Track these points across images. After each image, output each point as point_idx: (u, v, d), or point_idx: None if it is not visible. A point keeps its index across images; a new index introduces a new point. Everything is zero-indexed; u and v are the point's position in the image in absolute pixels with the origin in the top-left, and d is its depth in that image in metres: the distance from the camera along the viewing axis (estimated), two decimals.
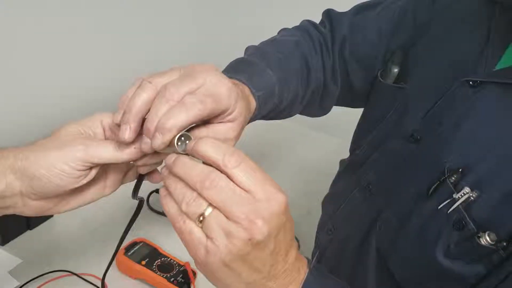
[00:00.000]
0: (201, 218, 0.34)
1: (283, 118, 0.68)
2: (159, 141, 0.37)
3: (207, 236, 0.34)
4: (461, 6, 0.57)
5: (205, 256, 0.34)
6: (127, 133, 0.38)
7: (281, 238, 0.35)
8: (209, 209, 0.33)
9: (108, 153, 0.39)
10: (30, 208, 0.41)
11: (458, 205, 0.44)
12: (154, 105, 0.38)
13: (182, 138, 0.38)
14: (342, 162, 0.76)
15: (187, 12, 1.43)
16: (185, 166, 0.35)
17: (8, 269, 0.70)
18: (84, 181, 0.40)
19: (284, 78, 0.60)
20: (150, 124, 0.37)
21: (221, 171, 0.34)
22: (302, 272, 0.39)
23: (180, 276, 0.70)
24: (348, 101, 0.76)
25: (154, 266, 0.71)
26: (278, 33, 0.73)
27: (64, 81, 1.09)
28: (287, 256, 0.37)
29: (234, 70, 0.55)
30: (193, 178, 0.34)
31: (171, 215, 0.36)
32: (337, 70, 0.70)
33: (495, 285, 0.42)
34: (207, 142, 0.35)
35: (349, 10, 0.72)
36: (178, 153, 0.38)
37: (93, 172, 0.41)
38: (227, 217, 0.33)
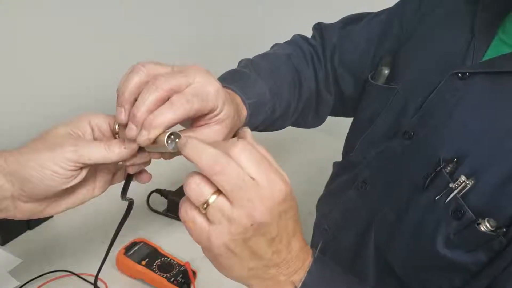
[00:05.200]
0: (205, 206, 0.34)
1: (276, 130, 0.68)
2: (144, 137, 0.38)
3: (210, 222, 0.35)
4: (445, 7, 0.59)
5: (208, 241, 0.35)
6: (122, 115, 0.39)
7: (282, 226, 0.36)
8: (213, 197, 0.34)
9: (98, 153, 0.39)
10: (21, 211, 0.41)
11: (455, 194, 0.45)
12: (142, 92, 0.39)
13: (172, 137, 0.38)
14: (335, 164, 0.77)
15: (187, 13, 1.43)
16: (196, 149, 0.35)
17: (8, 269, 0.70)
18: (75, 182, 0.40)
19: (276, 89, 0.61)
20: (136, 110, 0.38)
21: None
22: (306, 263, 0.40)
23: (180, 276, 0.70)
24: (340, 110, 0.77)
25: (154, 266, 0.71)
26: (270, 48, 0.74)
27: (64, 81, 1.09)
28: (290, 245, 0.38)
29: (226, 80, 0.55)
30: (203, 162, 0.34)
31: (180, 204, 0.37)
32: (330, 79, 0.72)
33: (499, 272, 0.42)
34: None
35: (338, 21, 0.74)
36: (167, 151, 0.38)
37: (84, 173, 0.41)
38: (231, 203, 0.34)
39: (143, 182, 0.47)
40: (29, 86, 1.01)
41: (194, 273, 0.72)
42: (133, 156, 0.41)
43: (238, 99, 0.53)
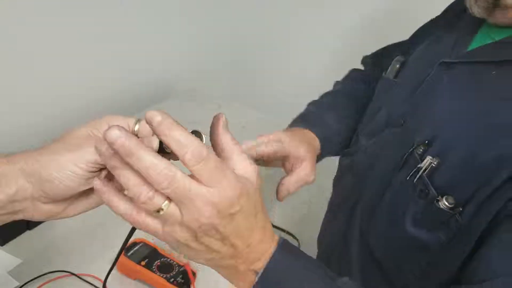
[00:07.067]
0: (159, 212, 0.35)
1: None
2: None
3: (163, 223, 0.36)
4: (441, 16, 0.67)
5: (163, 238, 0.37)
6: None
7: (235, 225, 0.37)
8: (166, 203, 0.35)
9: None
10: (40, 212, 0.41)
11: (422, 173, 0.49)
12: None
13: (194, 135, 0.38)
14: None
15: (187, 13, 1.43)
16: (146, 163, 0.34)
17: (7, 269, 0.70)
18: None
19: (340, 115, 0.73)
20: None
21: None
22: (268, 252, 0.41)
23: (180, 276, 0.70)
24: None
25: (153, 267, 0.71)
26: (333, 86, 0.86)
27: (64, 81, 1.09)
28: (246, 239, 0.39)
29: (296, 122, 0.71)
30: (154, 176, 0.34)
31: (122, 212, 0.37)
32: None
33: (465, 254, 0.46)
34: (173, 137, 0.34)
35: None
36: None
37: (103, 174, 0.41)
38: (180, 210, 0.35)
39: None
40: (29, 86, 1.01)
41: (193, 273, 0.72)
42: None
43: (309, 132, 0.67)
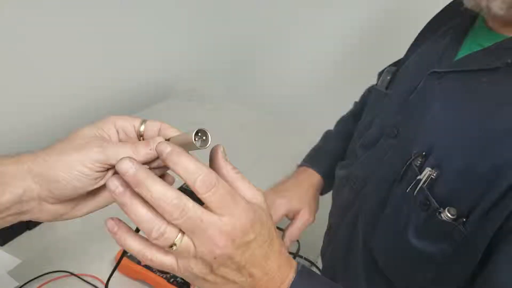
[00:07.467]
0: (172, 247, 0.35)
1: None
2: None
3: (178, 258, 0.36)
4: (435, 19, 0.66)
5: (179, 273, 0.37)
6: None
7: (250, 254, 0.37)
8: (179, 236, 0.35)
9: (125, 154, 0.39)
10: (46, 213, 0.41)
11: (422, 185, 0.48)
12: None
13: (199, 134, 0.38)
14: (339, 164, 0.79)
15: (187, 13, 1.43)
16: (157, 193, 0.34)
17: (7, 269, 0.70)
18: (101, 183, 0.41)
19: (347, 142, 0.77)
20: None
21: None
22: (287, 280, 0.40)
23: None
24: None
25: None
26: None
27: (65, 81, 1.09)
28: (264, 267, 0.39)
29: (305, 160, 0.82)
30: (165, 207, 0.34)
31: (135, 253, 0.36)
32: None
33: (474, 264, 0.44)
34: (180, 166, 0.34)
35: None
36: (194, 149, 0.38)
37: (110, 174, 0.41)
38: (193, 242, 0.35)
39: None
40: (30, 86, 1.01)
41: None
42: (158, 158, 0.41)
43: (312, 174, 0.77)
